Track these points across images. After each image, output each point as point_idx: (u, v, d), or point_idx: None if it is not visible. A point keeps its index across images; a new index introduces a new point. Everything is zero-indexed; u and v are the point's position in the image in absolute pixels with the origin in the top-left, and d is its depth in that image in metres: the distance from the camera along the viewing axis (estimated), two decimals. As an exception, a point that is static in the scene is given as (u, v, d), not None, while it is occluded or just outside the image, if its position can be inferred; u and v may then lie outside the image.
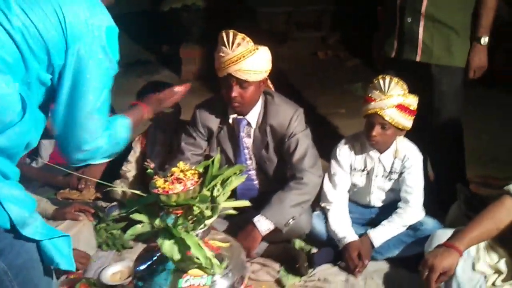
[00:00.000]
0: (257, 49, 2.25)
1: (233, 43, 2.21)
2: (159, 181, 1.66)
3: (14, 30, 1.31)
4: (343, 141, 2.59)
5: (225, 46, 2.22)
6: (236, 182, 1.74)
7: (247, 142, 2.50)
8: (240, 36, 2.20)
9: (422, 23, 2.59)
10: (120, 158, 2.86)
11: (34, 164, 2.96)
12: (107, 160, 1.63)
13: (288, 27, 5.97)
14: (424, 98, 2.45)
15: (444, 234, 2.04)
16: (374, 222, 2.55)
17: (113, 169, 2.95)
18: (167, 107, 2.06)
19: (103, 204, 2.86)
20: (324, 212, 2.55)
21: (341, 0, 6.04)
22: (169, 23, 5.16)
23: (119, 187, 2.80)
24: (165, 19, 5.16)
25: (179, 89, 2.07)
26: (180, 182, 1.65)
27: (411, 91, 2.36)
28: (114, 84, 1.52)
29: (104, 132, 1.52)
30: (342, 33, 5.92)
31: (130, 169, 2.91)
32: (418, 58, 2.65)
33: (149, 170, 1.75)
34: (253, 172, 2.57)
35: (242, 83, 2.29)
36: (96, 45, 1.40)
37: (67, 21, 1.36)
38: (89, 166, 3.00)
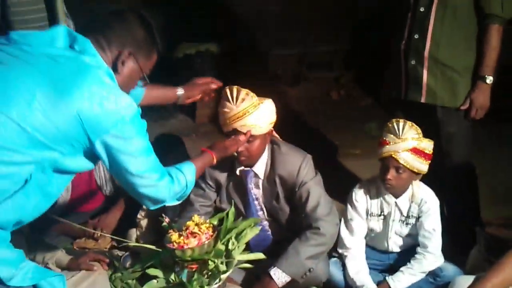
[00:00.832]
0: (261, 102, 2.26)
1: (237, 99, 2.22)
2: (174, 236, 1.66)
3: (32, 129, 1.40)
4: (358, 185, 2.57)
5: (230, 102, 2.23)
6: (250, 234, 1.74)
7: (256, 193, 2.48)
8: (244, 91, 2.22)
9: (426, 66, 2.62)
10: (135, 205, 2.87)
11: (51, 214, 2.97)
12: (178, 202, 1.81)
13: (300, 68, 6.01)
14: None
15: (465, 281, 2.00)
16: (392, 268, 2.51)
17: (129, 216, 2.95)
18: (231, 154, 2.21)
19: (118, 253, 2.85)
20: (342, 258, 2.52)
21: (353, 40, 6.09)
22: (183, 68, 5.24)
23: (133, 239, 2.79)
24: (179, 65, 5.24)
25: (243, 138, 2.23)
26: (195, 236, 1.66)
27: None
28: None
29: (161, 180, 1.65)
30: (355, 73, 5.95)
31: (144, 217, 2.91)
32: (423, 100, 2.67)
33: (164, 224, 1.76)
34: (265, 223, 2.54)
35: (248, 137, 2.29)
36: (120, 132, 1.50)
37: (85, 119, 1.45)
38: (104, 214, 3.03)
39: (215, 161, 2.04)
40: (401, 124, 2.33)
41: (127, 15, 1.66)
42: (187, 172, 1.79)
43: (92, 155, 1.54)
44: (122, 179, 1.62)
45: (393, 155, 2.32)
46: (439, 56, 2.59)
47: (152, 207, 1.73)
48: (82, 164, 1.54)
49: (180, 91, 2.22)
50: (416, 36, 2.62)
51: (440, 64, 2.60)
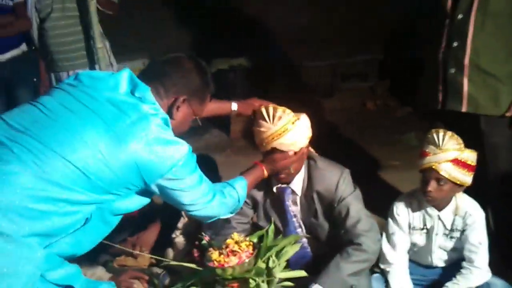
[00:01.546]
0: (298, 119, 2.22)
1: (274, 117, 2.18)
2: (214, 254, 1.65)
3: (95, 178, 1.52)
4: (399, 198, 2.51)
5: (266, 121, 2.19)
6: (291, 251, 1.71)
7: (294, 210, 2.43)
8: (280, 109, 2.18)
9: (466, 74, 2.53)
10: (171, 225, 2.88)
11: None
12: (231, 215, 1.97)
13: (335, 80, 5.98)
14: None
15: (515, 297, 1.93)
16: (437, 284, 2.43)
17: (165, 235, 2.96)
18: (281, 168, 2.22)
19: (158, 270, 2.86)
20: (384, 274, 2.45)
21: (387, 49, 6.04)
22: (217, 84, 5.27)
23: (170, 258, 2.79)
24: (212, 80, 5.28)
25: (292, 154, 2.23)
26: (235, 255, 1.64)
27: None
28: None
29: (212, 201, 1.78)
30: (390, 82, 5.88)
31: (178, 235, 2.91)
32: (464, 109, 2.57)
33: (203, 242, 1.75)
34: (304, 240, 2.49)
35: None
36: (173, 175, 1.63)
37: (142, 167, 1.58)
38: (142, 232, 3.05)
39: (266, 174, 2.12)
40: (441, 134, 2.27)
41: (184, 63, 1.78)
42: (239, 187, 1.92)
43: (147, 193, 1.67)
44: (175, 206, 1.75)
45: (433, 167, 2.26)
46: (480, 63, 2.51)
47: (206, 222, 1.87)
48: (138, 202, 1.67)
49: (234, 106, 2.29)
50: (455, 44, 2.54)
51: (481, 72, 2.52)
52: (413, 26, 5.51)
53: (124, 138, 1.55)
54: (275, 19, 5.77)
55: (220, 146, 4.91)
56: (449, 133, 2.27)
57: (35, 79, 4.00)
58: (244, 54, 5.38)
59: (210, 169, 2.92)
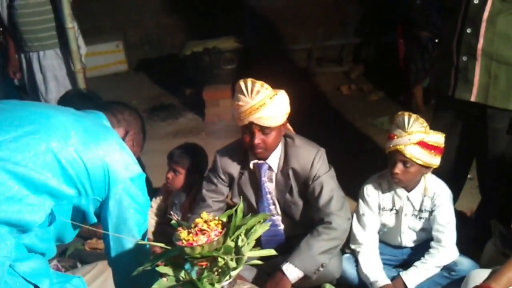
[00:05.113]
0: (276, 94, 2.24)
1: (252, 91, 2.19)
2: (183, 233, 1.64)
3: (66, 162, 1.54)
4: (369, 180, 2.54)
5: (244, 95, 2.21)
6: (260, 230, 1.71)
7: (270, 186, 2.46)
8: (259, 83, 2.20)
9: (478, 62, 2.42)
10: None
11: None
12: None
13: (310, 64, 5.99)
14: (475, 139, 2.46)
15: (480, 275, 1.97)
16: (406, 264, 2.48)
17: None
18: None
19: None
20: (354, 254, 2.49)
21: (362, 34, 6.06)
22: (191, 66, 5.24)
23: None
24: (187, 63, 5.25)
25: None
26: (204, 233, 1.64)
27: (466, 132, 2.42)
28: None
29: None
30: (365, 67, 5.91)
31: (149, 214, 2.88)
32: (472, 98, 2.47)
33: (173, 222, 1.74)
34: (277, 218, 2.51)
35: (265, 130, 2.27)
36: (130, 189, 1.66)
37: (110, 166, 1.61)
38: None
39: None
40: (406, 117, 2.29)
41: (127, 106, 1.96)
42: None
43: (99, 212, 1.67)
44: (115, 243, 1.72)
45: (399, 149, 2.29)
46: (493, 53, 2.39)
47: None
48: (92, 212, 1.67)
49: None
50: (468, 31, 2.41)
51: (494, 61, 2.40)
52: (388, 10, 5.55)
53: (95, 136, 1.61)
54: (252, 2, 5.75)
55: (195, 129, 4.89)
56: (414, 116, 2.28)
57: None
58: (219, 37, 5.34)
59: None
